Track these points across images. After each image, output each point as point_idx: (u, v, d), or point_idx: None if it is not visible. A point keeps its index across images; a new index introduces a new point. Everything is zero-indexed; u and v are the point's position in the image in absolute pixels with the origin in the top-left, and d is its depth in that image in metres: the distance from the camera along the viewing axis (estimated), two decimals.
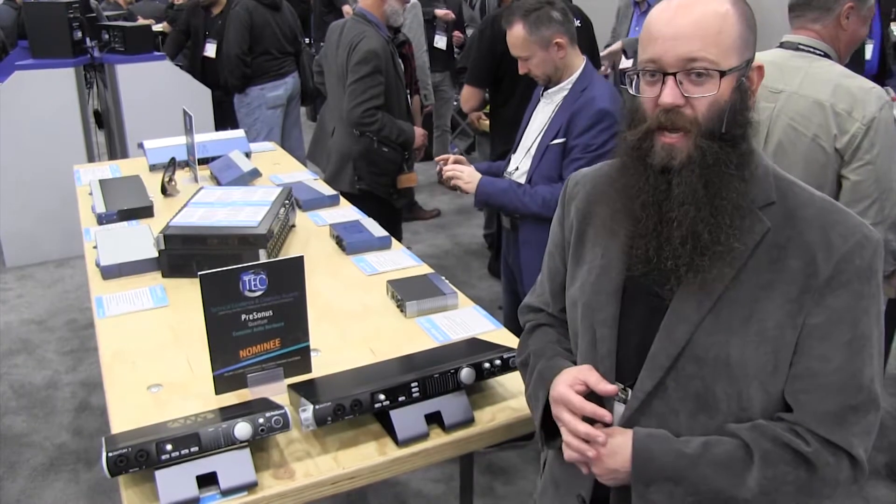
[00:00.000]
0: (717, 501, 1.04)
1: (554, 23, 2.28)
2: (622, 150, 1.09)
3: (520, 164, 2.45)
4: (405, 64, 3.53)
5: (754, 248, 1.04)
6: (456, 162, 2.48)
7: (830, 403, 1.02)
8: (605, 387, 1.10)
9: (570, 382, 1.11)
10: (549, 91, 2.40)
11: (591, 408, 1.08)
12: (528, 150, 2.42)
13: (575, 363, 1.20)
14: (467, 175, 2.42)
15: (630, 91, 1.07)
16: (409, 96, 3.57)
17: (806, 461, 1.02)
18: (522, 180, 2.40)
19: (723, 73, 1.00)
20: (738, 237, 1.02)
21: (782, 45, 2.10)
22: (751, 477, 1.02)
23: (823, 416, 1.02)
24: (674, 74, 1.01)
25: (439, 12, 5.45)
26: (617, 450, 1.07)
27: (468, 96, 3.58)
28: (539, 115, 2.44)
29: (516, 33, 2.32)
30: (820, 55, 2.03)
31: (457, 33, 5.63)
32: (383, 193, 3.33)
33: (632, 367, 1.11)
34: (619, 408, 1.13)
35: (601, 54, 4.34)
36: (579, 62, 2.36)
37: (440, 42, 5.49)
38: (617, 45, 4.23)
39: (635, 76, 1.06)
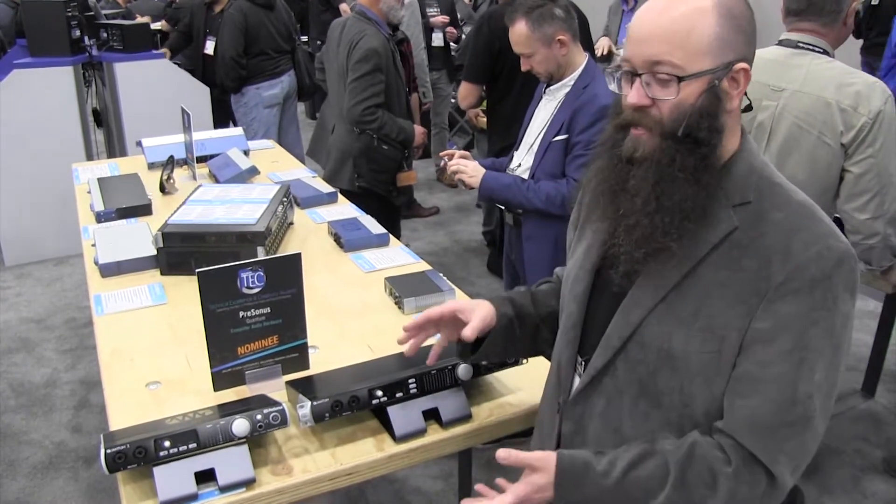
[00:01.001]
0: None
1: (556, 20, 2.27)
2: (601, 141, 1.14)
3: (522, 161, 2.46)
4: (403, 62, 3.54)
5: (717, 244, 1.04)
6: (460, 157, 2.49)
7: (763, 413, 1.01)
8: (466, 332, 1.24)
9: (459, 307, 1.28)
10: (552, 88, 2.40)
11: (415, 331, 1.31)
12: (531, 146, 2.42)
13: (555, 311, 1.33)
14: (471, 170, 2.43)
15: (613, 88, 1.11)
16: (407, 94, 3.58)
17: (724, 484, 1.02)
18: (525, 176, 2.41)
19: (681, 79, 1.00)
20: (676, 239, 1.02)
21: (780, 43, 2.10)
22: (660, 497, 1.03)
23: (753, 425, 1.01)
24: (641, 75, 1.03)
25: (434, 21, 5.44)
26: (544, 467, 1.11)
27: (466, 93, 3.58)
28: (541, 112, 2.44)
29: (519, 30, 2.31)
30: (819, 52, 2.04)
31: (450, 29, 5.62)
32: (383, 191, 3.33)
33: (593, 344, 1.16)
34: (577, 379, 1.20)
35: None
36: (581, 59, 2.36)
37: (437, 40, 5.49)
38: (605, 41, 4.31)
39: (615, 74, 1.10)
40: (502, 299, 1.35)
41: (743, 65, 1.03)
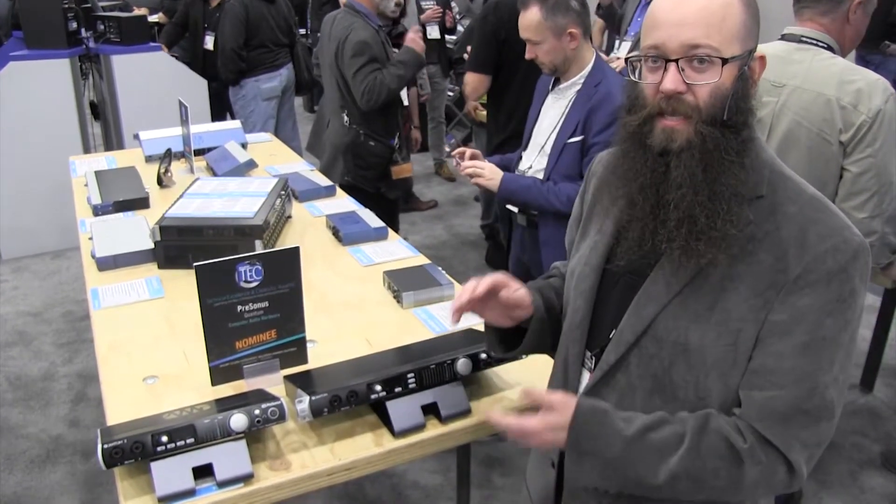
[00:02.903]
0: (639, 488, 1.06)
1: (571, 12, 2.20)
2: (622, 136, 1.10)
3: (533, 163, 2.38)
4: None
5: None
6: (472, 157, 2.40)
7: (779, 403, 1.01)
8: (517, 294, 1.18)
9: (500, 280, 1.18)
10: (561, 87, 2.31)
11: (468, 297, 1.15)
12: (542, 147, 2.34)
13: (560, 308, 1.28)
14: (489, 172, 2.33)
15: (632, 77, 1.08)
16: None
17: (739, 458, 1.01)
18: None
19: (725, 61, 1.00)
20: (735, 224, 1.01)
21: (784, 38, 2.08)
22: (672, 461, 1.02)
23: (769, 414, 1.01)
24: (676, 61, 1.01)
25: (426, 17, 5.40)
26: (562, 409, 1.07)
27: (475, 84, 3.35)
28: (550, 112, 2.36)
29: (531, 16, 2.22)
30: (823, 48, 2.01)
31: (449, 14, 5.58)
32: (369, 187, 3.32)
33: (601, 339, 1.15)
34: (586, 375, 1.18)
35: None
36: (590, 56, 2.28)
37: (433, 32, 5.46)
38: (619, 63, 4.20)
39: (638, 62, 1.06)
40: (534, 289, 1.30)
41: (760, 53, 1.06)
